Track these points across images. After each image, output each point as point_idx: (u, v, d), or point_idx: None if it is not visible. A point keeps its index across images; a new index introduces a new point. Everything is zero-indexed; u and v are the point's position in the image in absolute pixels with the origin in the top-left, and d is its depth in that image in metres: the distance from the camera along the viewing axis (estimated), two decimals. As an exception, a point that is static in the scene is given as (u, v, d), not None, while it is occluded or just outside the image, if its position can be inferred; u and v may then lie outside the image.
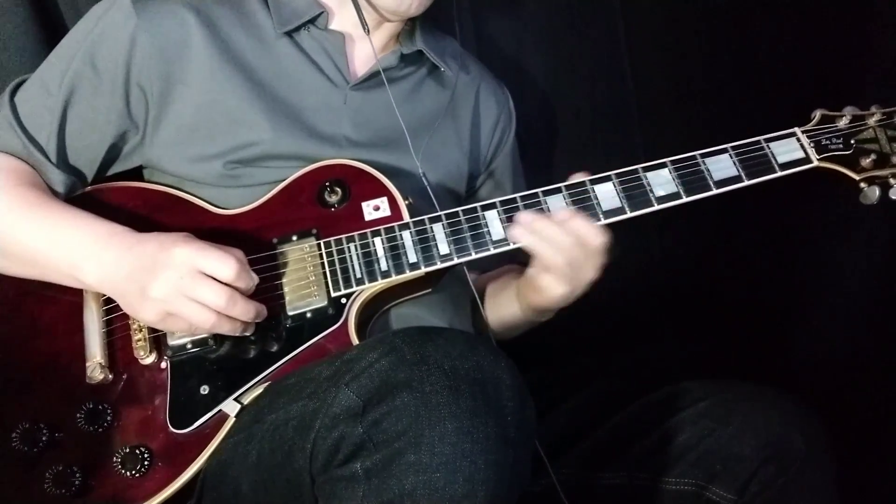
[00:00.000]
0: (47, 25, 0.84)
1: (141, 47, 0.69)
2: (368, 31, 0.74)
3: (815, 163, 0.71)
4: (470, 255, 0.68)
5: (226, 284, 0.60)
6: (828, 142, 0.71)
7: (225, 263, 0.59)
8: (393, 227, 0.69)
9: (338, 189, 0.70)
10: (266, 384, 0.64)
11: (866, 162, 0.70)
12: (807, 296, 1.10)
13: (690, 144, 0.72)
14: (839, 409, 0.85)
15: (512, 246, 0.68)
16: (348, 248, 0.68)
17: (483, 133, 0.87)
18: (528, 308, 0.75)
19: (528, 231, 0.66)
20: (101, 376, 0.64)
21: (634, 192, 0.70)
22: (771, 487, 0.67)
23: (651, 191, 0.70)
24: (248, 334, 0.63)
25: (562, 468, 0.71)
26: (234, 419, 0.62)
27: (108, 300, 0.67)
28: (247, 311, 0.61)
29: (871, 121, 0.71)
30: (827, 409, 0.72)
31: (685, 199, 0.70)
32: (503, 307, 0.81)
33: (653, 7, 1.10)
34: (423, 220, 0.69)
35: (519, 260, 0.84)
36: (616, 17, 1.10)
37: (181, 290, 0.59)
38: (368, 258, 0.67)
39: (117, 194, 0.73)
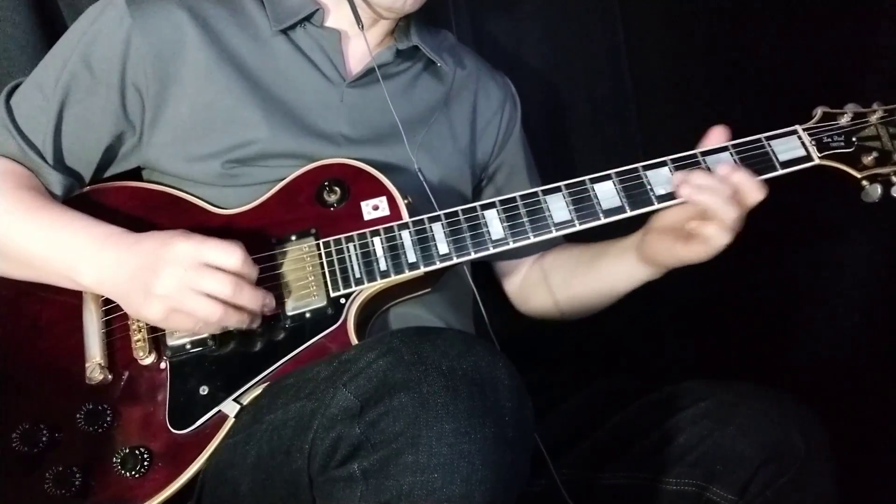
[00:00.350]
0: (48, 27, 0.84)
1: (136, 48, 0.69)
2: (363, 27, 0.73)
3: (817, 161, 0.70)
4: (469, 254, 0.68)
5: (230, 273, 0.59)
6: (829, 139, 0.70)
7: (229, 251, 0.59)
8: (392, 226, 0.68)
9: (337, 188, 0.70)
10: (265, 384, 0.64)
11: (868, 160, 0.70)
12: (807, 296, 1.09)
13: (691, 143, 0.71)
14: (839, 409, 0.85)
15: (512, 245, 0.68)
16: (347, 247, 0.68)
17: (484, 126, 0.86)
18: (665, 261, 0.73)
19: (696, 188, 0.65)
20: (101, 377, 0.64)
21: (635, 191, 0.69)
22: (771, 488, 0.66)
23: (651, 189, 0.69)
24: (255, 327, 0.63)
25: (562, 468, 0.71)
26: (234, 420, 0.62)
27: (108, 300, 0.66)
28: (254, 297, 0.61)
29: (873, 118, 0.71)
30: (827, 409, 0.72)
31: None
32: (608, 274, 0.79)
33: (652, 5, 1.10)
34: (423, 219, 0.69)
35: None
36: (615, 16, 1.10)
37: (186, 283, 0.58)
38: (367, 258, 0.67)
39: (115, 195, 0.73)
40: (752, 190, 0.66)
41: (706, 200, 0.65)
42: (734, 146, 0.70)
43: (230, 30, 0.73)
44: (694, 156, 0.70)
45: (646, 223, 0.73)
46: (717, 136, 0.70)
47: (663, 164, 0.70)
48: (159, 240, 0.61)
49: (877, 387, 1.00)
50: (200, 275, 0.58)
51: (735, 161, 0.70)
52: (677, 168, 0.70)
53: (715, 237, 0.66)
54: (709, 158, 0.70)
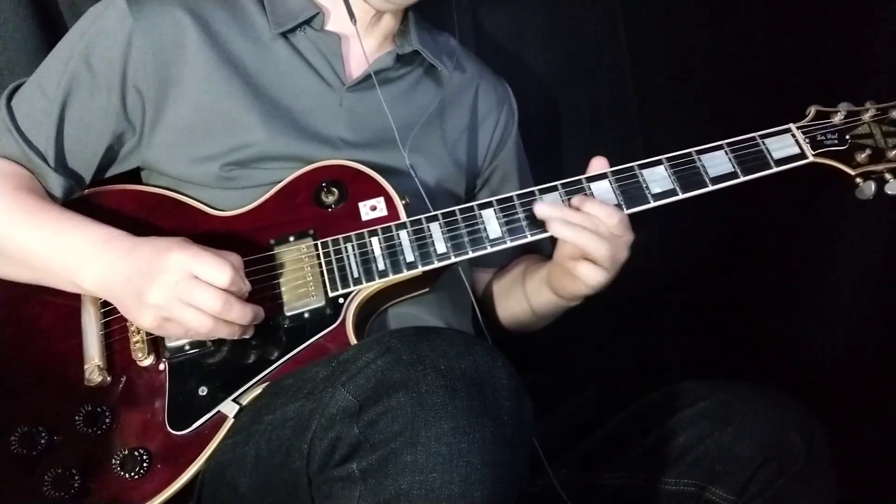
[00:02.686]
0: (47, 28, 0.84)
1: (137, 49, 0.69)
2: (356, 21, 0.73)
3: (811, 158, 0.71)
4: (467, 253, 0.68)
5: (222, 289, 0.59)
6: (823, 137, 0.71)
7: (219, 269, 0.59)
8: (390, 226, 0.69)
9: (335, 189, 0.71)
10: (264, 385, 0.64)
11: (861, 157, 0.70)
12: (807, 295, 1.10)
13: (691, 142, 0.72)
14: (839, 409, 0.85)
15: (509, 244, 0.69)
16: (345, 248, 0.68)
17: (483, 130, 0.87)
18: (567, 295, 0.74)
19: (565, 223, 0.66)
20: (100, 378, 0.64)
21: (630, 189, 0.70)
22: (771, 488, 0.66)
23: (647, 187, 0.70)
24: (246, 337, 0.64)
25: (562, 468, 0.71)
26: (233, 420, 0.62)
27: (106, 302, 0.67)
28: (243, 314, 0.61)
29: (866, 116, 0.71)
30: (827, 409, 0.72)
31: (681, 196, 0.70)
32: (534, 296, 0.81)
33: (652, 5, 1.11)
34: (420, 219, 0.69)
35: (534, 250, 0.84)
36: (616, 15, 1.10)
37: (177, 295, 0.59)
38: (366, 258, 0.67)
39: (115, 197, 0.73)
40: (607, 215, 0.65)
41: (574, 238, 0.65)
42: (729, 144, 0.71)
43: (231, 32, 0.73)
44: (689, 154, 0.71)
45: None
46: (598, 165, 0.70)
47: (659, 162, 0.71)
48: (156, 248, 0.61)
49: (877, 387, 1.00)
50: (190, 287, 0.59)
51: (730, 158, 0.69)
52: (672, 165, 0.70)
53: (587, 276, 0.67)
54: (704, 157, 0.70)
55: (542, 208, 0.67)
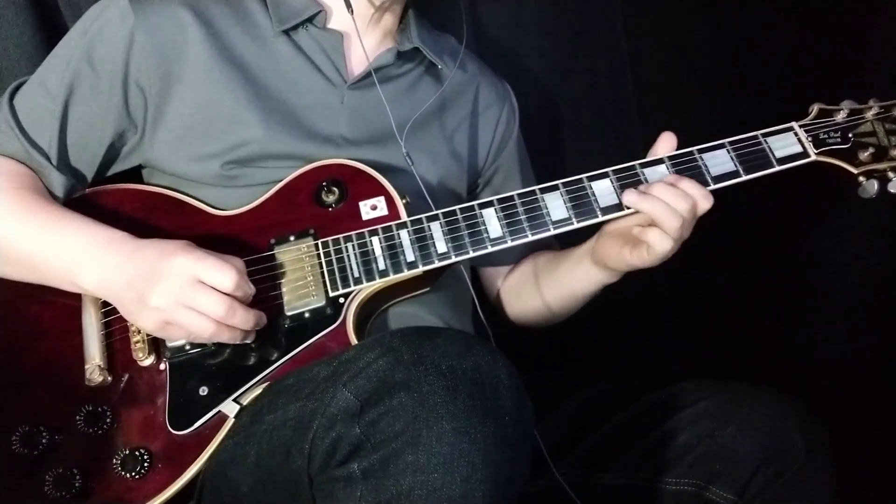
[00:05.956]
0: (48, 27, 0.84)
1: (139, 46, 0.69)
2: (352, 11, 0.73)
3: (813, 157, 0.70)
4: (468, 253, 0.68)
5: (225, 294, 0.59)
6: (825, 136, 0.70)
7: (224, 273, 0.59)
8: (390, 226, 0.69)
9: (335, 189, 0.70)
10: (265, 385, 0.64)
11: (864, 155, 0.70)
12: (807, 295, 1.10)
13: (691, 143, 0.71)
14: (839, 409, 0.85)
15: (510, 243, 0.68)
16: (346, 247, 0.68)
17: (484, 130, 0.87)
18: (622, 264, 0.73)
19: (646, 196, 0.66)
20: (101, 378, 0.64)
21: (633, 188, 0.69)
22: (771, 487, 0.66)
23: (649, 187, 0.69)
24: (248, 342, 0.64)
25: (562, 468, 0.70)
26: (234, 420, 0.62)
27: (107, 302, 0.66)
28: (246, 319, 0.61)
29: (869, 114, 0.71)
30: (827, 409, 0.72)
31: (683, 196, 0.70)
32: (569, 275, 0.80)
33: (653, 5, 1.10)
34: (421, 218, 0.69)
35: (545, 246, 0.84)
36: (616, 14, 1.10)
37: (180, 299, 0.59)
38: (366, 257, 0.67)
39: (115, 197, 0.73)
40: (701, 199, 0.66)
41: (649, 209, 0.66)
42: (731, 142, 0.71)
43: (233, 29, 0.73)
44: (690, 153, 0.71)
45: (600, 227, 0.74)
46: (666, 142, 0.70)
47: (660, 161, 0.71)
48: (159, 250, 0.61)
49: (877, 387, 1.00)
50: (194, 292, 0.59)
51: (732, 157, 0.69)
52: (673, 164, 0.70)
53: (657, 244, 0.67)
54: (705, 156, 0.70)
55: (632, 197, 0.67)
